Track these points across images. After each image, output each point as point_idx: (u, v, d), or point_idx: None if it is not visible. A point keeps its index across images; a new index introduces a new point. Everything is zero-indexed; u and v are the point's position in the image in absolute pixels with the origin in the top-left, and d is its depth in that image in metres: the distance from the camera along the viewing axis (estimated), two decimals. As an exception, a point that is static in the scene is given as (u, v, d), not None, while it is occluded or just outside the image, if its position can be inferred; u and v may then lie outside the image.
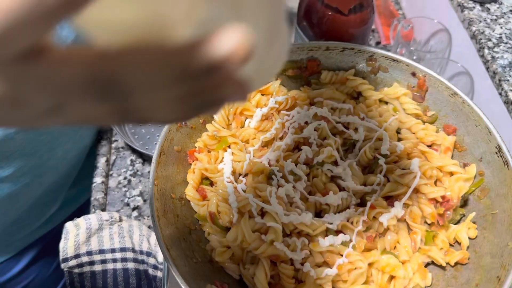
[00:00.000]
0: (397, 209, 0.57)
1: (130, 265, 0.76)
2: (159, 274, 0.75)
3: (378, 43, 1.12)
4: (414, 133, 0.66)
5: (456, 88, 0.62)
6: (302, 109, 0.66)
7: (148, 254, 0.76)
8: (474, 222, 0.58)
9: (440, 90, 0.64)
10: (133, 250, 0.76)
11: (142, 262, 0.76)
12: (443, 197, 0.58)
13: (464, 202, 0.61)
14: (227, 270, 0.58)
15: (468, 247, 0.57)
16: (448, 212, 0.58)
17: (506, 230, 0.53)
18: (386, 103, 0.69)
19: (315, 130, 0.64)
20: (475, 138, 0.61)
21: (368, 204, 0.58)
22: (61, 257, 0.73)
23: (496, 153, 0.58)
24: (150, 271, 0.75)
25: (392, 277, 0.56)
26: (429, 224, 0.59)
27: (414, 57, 0.95)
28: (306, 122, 0.65)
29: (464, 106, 0.62)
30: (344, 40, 0.69)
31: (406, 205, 0.58)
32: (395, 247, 0.57)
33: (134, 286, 0.75)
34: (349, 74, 0.69)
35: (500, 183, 0.56)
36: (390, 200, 0.59)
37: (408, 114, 0.67)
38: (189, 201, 0.61)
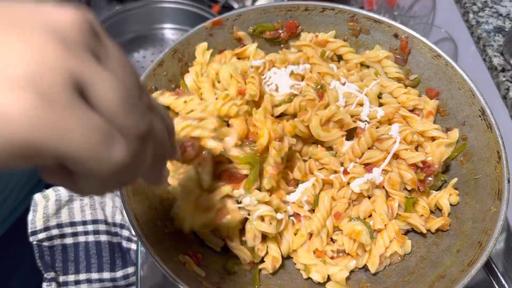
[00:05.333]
0: (375, 175, 0.55)
1: (103, 238, 0.73)
2: (133, 246, 0.73)
3: (361, 8, 1.08)
4: (395, 98, 0.63)
5: (439, 49, 0.60)
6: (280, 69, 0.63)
7: (122, 226, 0.74)
8: (456, 188, 0.56)
9: (423, 52, 0.62)
10: (106, 223, 0.73)
11: (115, 234, 0.74)
12: (424, 162, 0.56)
13: (446, 168, 0.59)
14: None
15: (449, 214, 0.55)
16: (429, 178, 0.57)
17: (489, 194, 0.51)
18: (368, 67, 0.66)
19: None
20: (458, 102, 0.59)
21: (341, 169, 0.56)
22: (29, 230, 0.70)
23: (480, 116, 0.56)
24: (124, 243, 0.73)
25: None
26: (409, 191, 0.57)
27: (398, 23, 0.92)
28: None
29: (447, 69, 0.60)
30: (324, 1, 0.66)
31: (385, 172, 0.56)
32: (370, 215, 0.56)
33: (107, 259, 0.72)
34: (330, 36, 0.66)
35: (483, 146, 0.55)
36: (369, 166, 0.57)
37: (390, 78, 0.65)
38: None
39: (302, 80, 0.62)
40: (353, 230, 0.53)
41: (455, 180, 0.56)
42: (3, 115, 0.20)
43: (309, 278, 0.54)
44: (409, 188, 0.57)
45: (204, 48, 0.64)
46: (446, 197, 0.55)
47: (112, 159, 0.24)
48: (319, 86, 0.60)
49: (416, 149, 0.59)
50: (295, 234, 0.56)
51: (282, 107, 0.59)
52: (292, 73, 0.62)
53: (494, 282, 0.59)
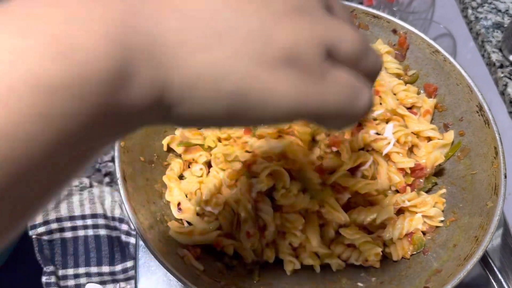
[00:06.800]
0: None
1: (102, 232, 0.73)
2: (132, 240, 0.73)
3: (360, 4, 1.08)
4: (395, 94, 0.63)
5: (437, 45, 0.60)
6: None
7: (121, 220, 0.74)
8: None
9: (421, 48, 0.62)
10: (105, 217, 0.74)
11: (115, 228, 0.74)
12: (417, 164, 0.56)
13: (439, 171, 0.59)
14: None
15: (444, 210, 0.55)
16: (420, 180, 0.57)
17: (485, 189, 0.52)
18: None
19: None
20: (456, 97, 0.59)
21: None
22: (29, 224, 0.70)
23: (477, 111, 0.56)
24: (123, 237, 0.73)
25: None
26: (397, 191, 0.57)
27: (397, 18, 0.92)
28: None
29: (445, 64, 0.60)
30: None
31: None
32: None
33: (106, 252, 0.73)
34: None
35: (481, 142, 0.55)
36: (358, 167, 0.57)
37: (389, 73, 0.65)
38: (159, 164, 0.59)
39: None
40: None
41: (443, 190, 0.56)
42: (274, 93, 0.22)
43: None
44: (394, 189, 0.57)
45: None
46: (431, 204, 0.55)
47: (361, 106, 0.25)
48: None
49: (411, 149, 0.59)
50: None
51: None
52: None
53: (491, 277, 0.59)
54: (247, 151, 0.55)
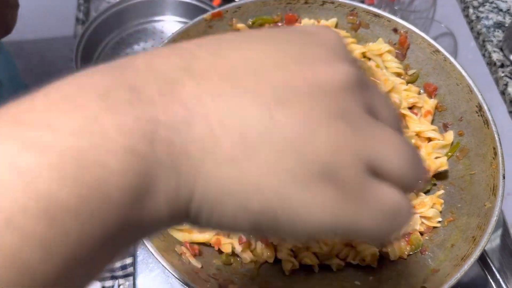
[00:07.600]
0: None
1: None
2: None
3: (361, 2, 1.08)
4: (396, 94, 0.63)
5: (438, 45, 0.60)
6: None
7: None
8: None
9: (422, 47, 0.62)
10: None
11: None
12: None
13: (439, 172, 0.59)
14: None
15: (442, 212, 0.55)
16: (420, 181, 0.57)
17: (484, 190, 0.51)
18: (369, 59, 0.66)
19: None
20: (456, 97, 0.59)
21: None
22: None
23: (477, 112, 0.56)
24: (122, 234, 0.73)
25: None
26: None
27: (398, 17, 0.92)
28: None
29: (445, 64, 0.60)
30: (323, -4, 0.66)
31: None
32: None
33: (105, 249, 0.73)
34: (331, 23, 0.66)
35: (480, 142, 0.55)
36: None
37: (390, 72, 0.65)
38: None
39: None
40: None
41: (441, 191, 0.56)
42: (306, 212, 0.20)
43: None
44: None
45: None
46: (429, 205, 0.55)
47: (398, 224, 0.23)
48: None
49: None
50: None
51: None
52: None
53: (489, 278, 0.59)
54: None
